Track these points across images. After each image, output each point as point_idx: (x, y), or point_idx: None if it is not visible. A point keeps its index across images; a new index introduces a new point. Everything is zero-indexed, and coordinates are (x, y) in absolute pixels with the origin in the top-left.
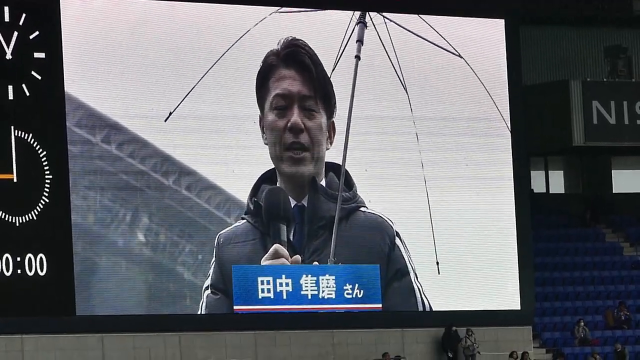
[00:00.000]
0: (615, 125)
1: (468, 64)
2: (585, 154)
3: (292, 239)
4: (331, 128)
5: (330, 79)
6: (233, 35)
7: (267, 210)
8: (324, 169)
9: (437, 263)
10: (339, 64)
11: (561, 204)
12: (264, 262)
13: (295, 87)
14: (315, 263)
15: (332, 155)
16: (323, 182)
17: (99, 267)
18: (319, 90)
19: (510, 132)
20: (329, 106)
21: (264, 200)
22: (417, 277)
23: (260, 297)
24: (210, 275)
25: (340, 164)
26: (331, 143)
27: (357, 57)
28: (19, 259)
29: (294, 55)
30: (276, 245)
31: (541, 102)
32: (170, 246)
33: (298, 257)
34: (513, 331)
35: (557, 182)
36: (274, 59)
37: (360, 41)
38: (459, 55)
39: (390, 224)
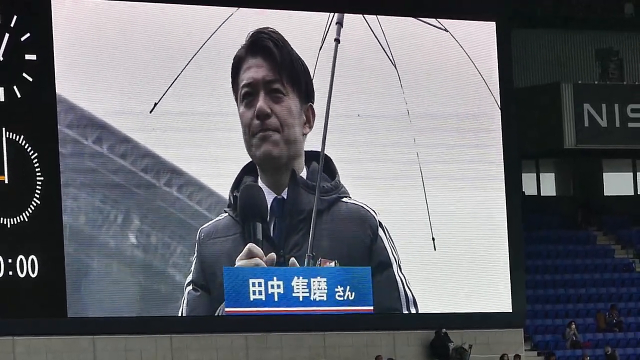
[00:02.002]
0: (606, 128)
1: (457, 40)
2: (577, 157)
3: (271, 235)
4: (309, 112)
5: (317, 63)
6: (224, 35)
7: (242, 209)
8: (303, 158)
9: (433, 239)
10: (325, 49)
11: (552, 207)
12: (238, 262)
13: (260, 73)
14: (292, 259)
15: (315, 144)
16: (304, 173)
17: (90, 269)
18: (285, 72)
19: (502, 134)
20: (300, 87)
21: (239, 199)
22: (400, 269)
23: (251, 299)
24: (192, 271)
25: (326, 154)
26: (310, 127)
27: (337, 40)
28: (10, 260)
29: (258, 42)
30: (250, 245)
31: (532, 105)
32: (161, 248)
33: (273, 254)
34: (505, 334)
35: (549, 185)
36: (242, 51)
37: (339, 23)
38: (445, 29)
39: (373, 214)
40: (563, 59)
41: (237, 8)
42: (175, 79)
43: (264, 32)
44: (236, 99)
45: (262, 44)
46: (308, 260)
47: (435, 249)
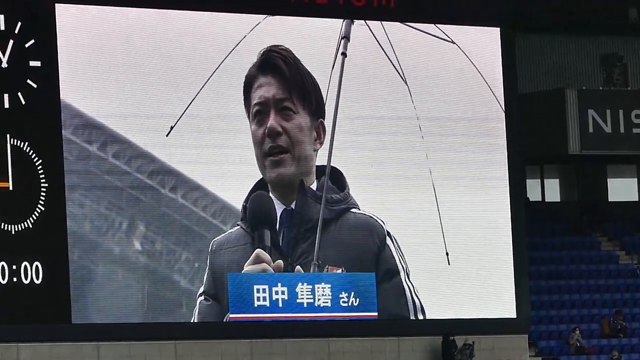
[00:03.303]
0: (611, 134)
1: (463, 51)
2: (581, 163)
3: (280, 244)
4: (320, 128)
5: (329, 81)
6: (228, 42)
7: (250, 216)
8: (314, 171)
9: (447, 254)
10: (334, 66)
11: (557, 212)
12: (246, 267)
13: (270, 92)
14: (298, 267)
15: (326, 157)
16: (314, 185)
17: (95, 275)
18: (295, 89)
19: (506, 140)
20: (310, 104)
21: (248, 207)
22: (408, 277)
23: (256, 305)
24: (204, 282)
25: (336, 167)
26: (321, 143)
27: (344, 54)
28: (14, 267)
29: (268, 61)
30: (257, 251)
31: (537, 111)
32: (166, 254)
33: (280, 262)
34: (509, 339)
35: (553, 191)
36: (253, 69)
37: (346, 37)
38: (452, 42)
39: (381, 224)
40: (567, 64)
41: (243, 15)
42: (202, 89)
43: (274, 50)
44: (248, 117)
45: (273, 63)
46: (314, 269)
47: (447, 257)
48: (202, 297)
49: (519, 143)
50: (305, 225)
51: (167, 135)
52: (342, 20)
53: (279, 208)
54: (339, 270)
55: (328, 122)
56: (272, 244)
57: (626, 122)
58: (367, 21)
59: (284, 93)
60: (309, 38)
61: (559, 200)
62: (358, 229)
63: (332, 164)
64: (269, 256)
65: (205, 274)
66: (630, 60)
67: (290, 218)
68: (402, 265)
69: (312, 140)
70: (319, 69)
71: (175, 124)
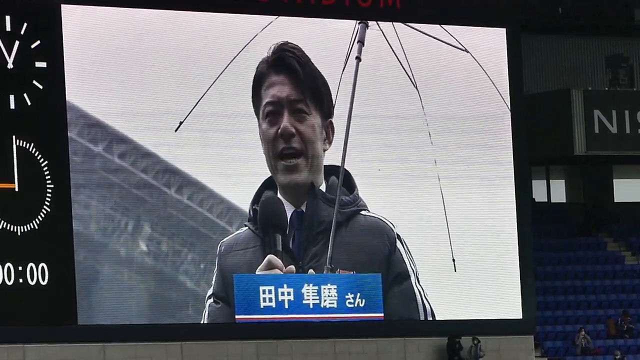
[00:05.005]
0: (616, 135)
1: (475, 59)
2: (587, 163)
3: (290, 246)
4: (329, 128)
5: (340, 82)
6: (236, 43)
7: (261, 220)
8: (322, 172)
9: (453, 260)
10: (346, 67)
11: (563, 213)
12: (258, 272)
13: (284, 92)
14: (311, 271)
15: (333, 158)
16: (323, 187)
17: (100, 276)
18: (308, 91)
19: (512, 141)
20: (322, 106)
21: (259, 211)
22: (418, 281)
23: (262, 306)
24: (213, 284)
25: (345, 168)
26: (330, 143)
27: (358, 59)
28: (20, 268)
29: (282, 60)
30: (270, 256)
31: (543, 111)
32: (172, 255)
33: (292, 267)
34: (515, 340)
35: (559, 191)
36: (264, 66)
37: (361, 42)
38: (465, 50)
39: (391, 227)
40: (573, 65)
41: (252, 16)
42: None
43: (287, 49)
44: (257, 114)
45: (287, 62)
46: (326, 272)
47: (454, 263)
48: (212, 300)
49: (525, 144)
50: (317, 228)
51: (175, 131)
52: (353, 21)
53: (289, 210)
54: (351, 274)
55: (337, 123)
56: (283, 247)
57: (632, 122)
58: (378, 23)
59: (298, 94)
60: (318, 39)
61: (564, 201)
62: (369, 232)
63: (338, 166)
64: (281, 262)
65: (214, 276)
66: (636, 61)
67: (301, 220)
68: (412, 269)
69: (322, 140)
70: (327, 69)
71: (185, 119)
